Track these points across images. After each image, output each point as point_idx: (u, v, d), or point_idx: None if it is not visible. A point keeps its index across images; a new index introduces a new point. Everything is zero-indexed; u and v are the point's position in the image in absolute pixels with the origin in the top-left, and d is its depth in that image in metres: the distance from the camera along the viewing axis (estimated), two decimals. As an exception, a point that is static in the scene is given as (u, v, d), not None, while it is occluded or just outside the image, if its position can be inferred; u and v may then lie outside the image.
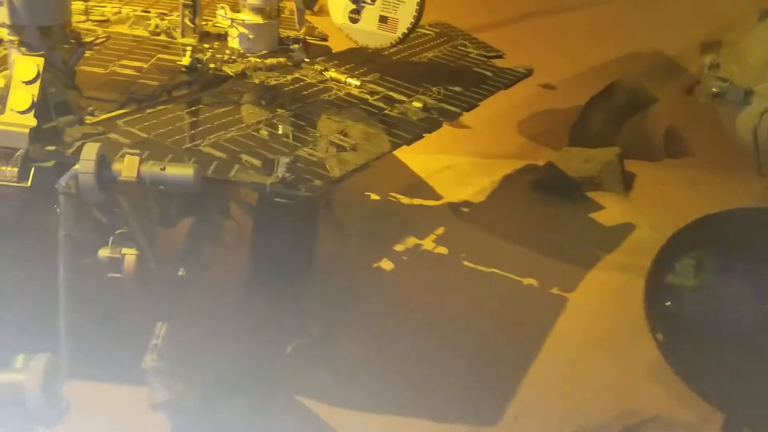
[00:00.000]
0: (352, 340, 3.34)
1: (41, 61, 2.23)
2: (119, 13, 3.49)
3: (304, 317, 3.46)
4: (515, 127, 5.71)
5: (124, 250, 2.29)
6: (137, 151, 1.98)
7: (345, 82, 3.19)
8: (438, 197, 4.94)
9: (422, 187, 5.08)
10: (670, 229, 3.01)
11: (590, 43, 5.82)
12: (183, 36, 3.29)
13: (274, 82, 3.06)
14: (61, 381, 1.98)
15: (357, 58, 3.51)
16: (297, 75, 3.18)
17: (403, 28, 3.16)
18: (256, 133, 2.53)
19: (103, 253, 2.32)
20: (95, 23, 3.31)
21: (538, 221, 4.76)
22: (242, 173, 2.16)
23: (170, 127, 2.43)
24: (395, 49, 3.79)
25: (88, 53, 2.89)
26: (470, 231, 4.56)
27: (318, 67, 3.29)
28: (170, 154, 2.22)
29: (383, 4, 3.15)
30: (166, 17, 3.41)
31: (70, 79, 2.39)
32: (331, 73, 3.24)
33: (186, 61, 2.93)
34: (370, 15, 3.19)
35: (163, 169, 1.94)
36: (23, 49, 2.30)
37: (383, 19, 3.18)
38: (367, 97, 3.11)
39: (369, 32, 3.22)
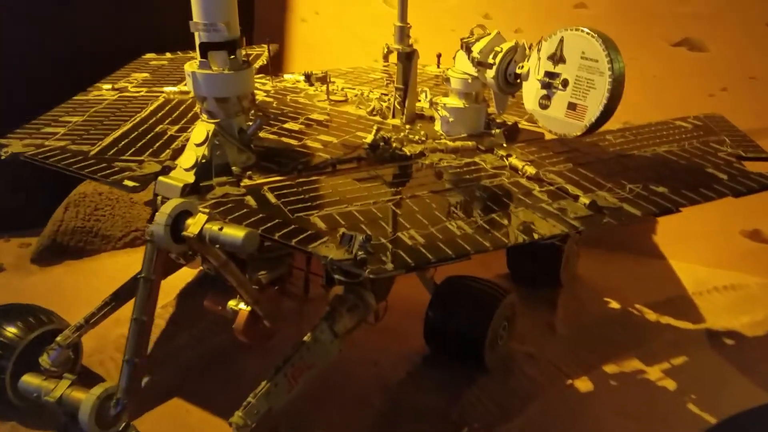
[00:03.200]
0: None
1: (212, 127, 2.69)
2: (362, 94, 3.92)
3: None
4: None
5: (237, 306, 2.53)
6: (206, 210, 2.22)
7: (522, 170, 2.99)
8: (699, 320, 4.09)
9: (683, 305, 4.29)
10: None
11: None
12: (393, 117, 3.54)
13: (444, 164, 3.05)
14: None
15: (561, 147, 3.25)
16: (476, 159, 3.11)
17: (591, 116, 2.82)
18: (375, 211, 2.57)
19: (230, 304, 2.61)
20: (333, 102, 3.80)
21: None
22: (312, 244, 2.24)
23: (303, 196, 2.65)
24: (621, 140, 3.43)
25: (293, 125, 3.38)
26: (721, 369, 3.65)
27: (501, 153, 3.15)
28: (278, 219, 2.43)
29: (574, 91, 2.88)
30: (385, 99, 3.70)
31: (245, 145, 2.82)
32: (513, 160, 3.07)
33: (369, 138, 3.14)
34: (559, 101, 2.94)
35: (221, 229, 2.14)
36: (204, 116, 2.79)
37: (572, 106, 2.89)
38: (534, 187, 2.85)
39: (557, 119, 2.96)
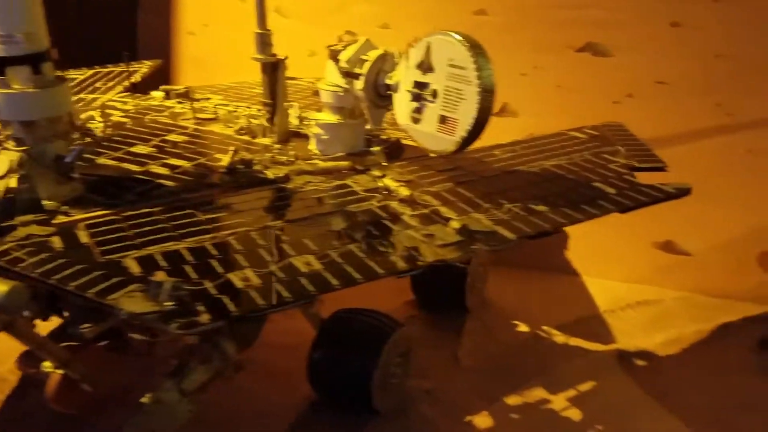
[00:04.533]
0: None
1: (17, 156, 2.30)
2: (235, 111, 3.56)
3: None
4: (755, 259, 4.21)
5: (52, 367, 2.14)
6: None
7: (395, 192, 2.68)
8: (610, 341, 3.84)
9: (595, 325, 4.03)
10: None
11: None
12: (263, 136, 3.19)
13: (311, 188, 2.71)
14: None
15: (444, 165, 2.96)
16: (347, 181, 2.78)
17: (462, 130, 2.54)
18: (210, 248, 2.21)
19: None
20: (199, 121, 3.43)
21: (752, 399, 3.33)
22: (114, 294, 1.86)
23: (126, 233, 2.26)
24: (510, 154, 3.16)
25: (142, 149, 2.99)
26: (631, 394, 3.40)
27: (376, 173, 2.84)
28: (80, 264, 2.04)
29: (444, 102, 2.59)
30: (258, 116, 3.35)
31: (63, 175, 2.42)
32: (387, 181, 2.76)
33: (226, 161, 2.79)
34: (431, 114, 2.64)
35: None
36: (10, 143, 2.36)
37: (443, 119, 2.60)
38: (406, 210, 2.54)
39: (430, 134, 2.66)
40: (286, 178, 2.79)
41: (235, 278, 2.02)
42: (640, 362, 3.67)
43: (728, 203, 4.24)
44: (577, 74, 4.42)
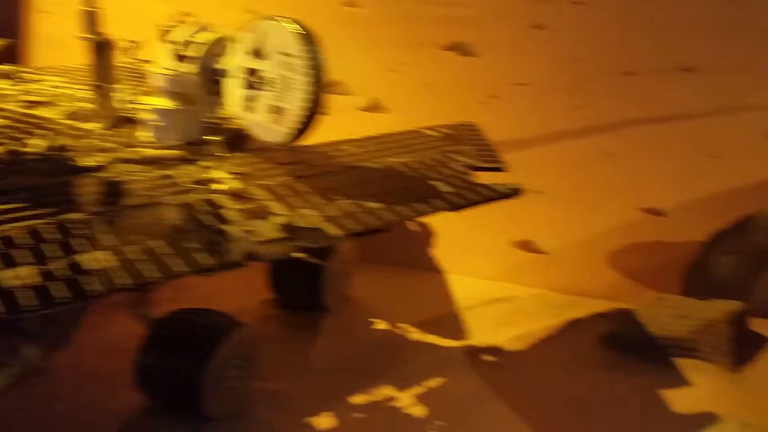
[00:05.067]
0: None
1: None
2: (70, 94, 3.28)
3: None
4: (607, 258, 4.38)
5: None
6: None
7: (224, 184, 2.53)
8: (462, 337, 3.86)
9: (450, 321, 4.04)
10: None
11: (719, 160, 4.29)
12: (90, 121, 2.95)
13: (130, 177, 2.51)
14: None
15: (288, 157, 2.84)
16: (171, 172, 2.60)
17: (292, 121, 2.43)
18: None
19: None
20: (27, 104, 3.14)
21: (589, 391, 3.43)
22: None
23: None
24: (359, 150, 3.09)
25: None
26: (476, 390, 3.41)
27: (207, 164, 2.68)
28: None
29: (276, 91, 2.46)
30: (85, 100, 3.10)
31: None
32: (217, 172, 2.61)
33: (36, 148, 2.54)
34: (262, 103, 2.52)
35: None
36: None
37: (275, 109, 2.48)
38: (231, 204, 2.39)
39: (263, 125, 2.53)
40: (102, 167, 2.56)
41: (7, 276, 1.81)
42: (488, 358, 3.70)
43: (583, 204, 4.37)
44: (445, 73, 4.41)
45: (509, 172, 3.29)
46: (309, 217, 2.34)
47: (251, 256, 2.10)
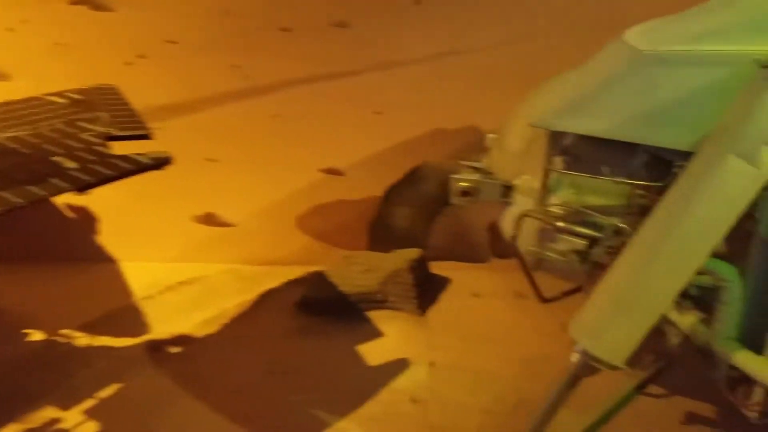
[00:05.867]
0: None
1: None
2: None
3: None
4: (295, 223, 4.28)
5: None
6: None
7: None
8: (144, 331, 3.40)
9: (127, 316, 3.53)
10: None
11: (382, 116, 4.50)
12: None
13: None
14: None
15: None
16: None
17: None
18: None
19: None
20: None
21: (290, 359, 3.28)
22: None
23: None
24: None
25: None
26: (162, 387, 2.99)
27: None
28: None
29: None
30: None
31: None
32: None
33: None
34: None
35: None
36: None
37: None
38: None
39: None
40: None
41: None
42: (173, 349, 3.31)
43: (262, 170, 4.14)
44: (79, 31, 3.78)
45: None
46: None
47: None
